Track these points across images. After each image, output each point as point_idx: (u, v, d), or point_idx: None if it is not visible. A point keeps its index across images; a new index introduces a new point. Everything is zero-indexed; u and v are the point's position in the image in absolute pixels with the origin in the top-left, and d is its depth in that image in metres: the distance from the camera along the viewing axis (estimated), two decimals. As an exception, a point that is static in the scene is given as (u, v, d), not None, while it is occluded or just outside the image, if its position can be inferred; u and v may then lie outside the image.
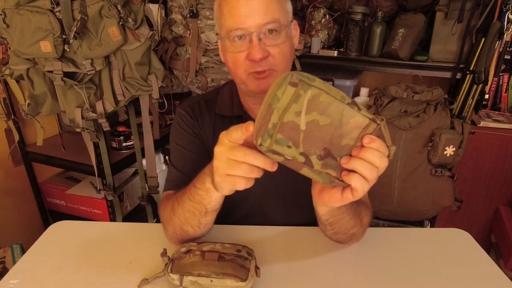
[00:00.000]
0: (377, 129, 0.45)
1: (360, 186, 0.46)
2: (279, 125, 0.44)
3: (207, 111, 0.83)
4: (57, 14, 1.03)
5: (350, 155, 0.46)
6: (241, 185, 0.50)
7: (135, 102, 1.36)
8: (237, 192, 0.87)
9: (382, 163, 0.46)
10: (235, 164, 0.48)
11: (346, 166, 0.46)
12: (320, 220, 0.65)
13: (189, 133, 0.81)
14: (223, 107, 0.82)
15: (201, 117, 0.82)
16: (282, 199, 0.83)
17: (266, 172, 0.80)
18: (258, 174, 0.49)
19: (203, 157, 0.79)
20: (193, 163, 0.78)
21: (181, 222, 0.65)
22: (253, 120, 0.79)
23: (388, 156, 0.47)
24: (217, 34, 0.76)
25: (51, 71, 1.10)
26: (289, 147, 0.45)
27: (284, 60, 0.70)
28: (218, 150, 0.50)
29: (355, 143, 0.46)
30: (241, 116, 0.79)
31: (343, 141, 0.45)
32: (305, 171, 0.47)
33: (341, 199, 0.49)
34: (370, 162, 0.46)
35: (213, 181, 0.54)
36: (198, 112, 0.83)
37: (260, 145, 0.45)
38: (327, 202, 0.52)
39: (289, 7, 0.72)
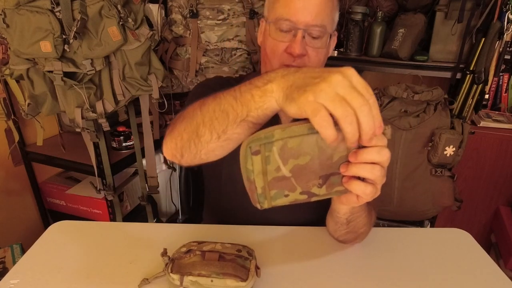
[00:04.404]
0: None
1: (361, 190, 0.45)
2: (267, 185, 0.45)
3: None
4: (57, 14, 1.03)
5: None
6: (318, 122, 0.39)
7: (135, 102, 1.36)
8: (238, 191, 0.87)
9: (382, 157, 0.43)
10: (341, 102, 0.38)
11: (346, 174, 0.45)
12: (336, 219, 0.65)
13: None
14: None
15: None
16: None
17: None
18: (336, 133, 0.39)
19: None
20: None
21: (202, 121, 0.52)
22: None
23: (388, 138, 0.44)
24: (262, 16, 0.76)
25: (51, 71, 1.10)
26: (286, 195, 0.46)
27: (317, 64, 0.72)
28: (339, 78, 0.40)
29: (348, 151, 0.44)
30: None
31: (334, 158, 0.44)
32: (314, 199, 0.47)
33: (357, 201, 0.49)
34: (370, 162, 0.44)
35: (287, 90, 0.43)
36: (226, 85, 0.81)
37: (261, 207, 0.47)
38: (346, 203, 0.51)
39: (337, 17, 0.74)
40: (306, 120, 0.41)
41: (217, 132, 0.51)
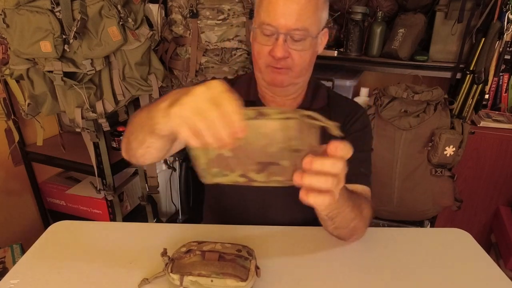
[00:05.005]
0: (300, 123, 0.44)
1: (320, 202, 0.47)
2: (209, 162, 0.47)
3: None
4: (57, 14, 1.03)
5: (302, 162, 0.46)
6: (183, 137, 0.42)
7: (135, 102, 1.36)
8: (237, 191, 0.88)
9: (336, 169, 0.46)
10: (198, 117, 0.41)
11: (301, 184, 0.47)
12: (320, 216, 0.66)
13: None
14: (240, 91, 0.86)
15: None
16: (282, 196, 0.83)
17: None
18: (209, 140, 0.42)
19: None
20: None
21: (131, 130, 0.62)
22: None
23: (337, 134, 0.45)
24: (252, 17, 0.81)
25: (51, 71, 1.10)
26: (225, 175, 0.48)
27: (301, 65, 0.75)
28: (201, 90, 0.42)
29: (287, 144, 0.45)
30: (255, 102, 0.85)
31: (271, 149, 0.45)
32: (255, 184, 0.49)
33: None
34: (324, 172, 0.45)
35: (170, 107, 0.44)
36: None
37: (205, 181, 0.49)
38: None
39: (324, 16, 0.76)
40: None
41: (139, 140, 0.59)
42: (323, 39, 0.79)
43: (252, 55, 0.79)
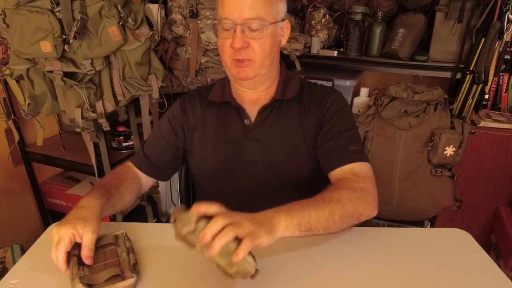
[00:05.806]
0: None
1: (243, 248, 0.53)
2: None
3: (199, 99, 0.94)
4: (57, 14, 1.03)
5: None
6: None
7: (135, 102, 1.36)
8: (235, 194, 0.89)
9: (219, 225, 0.54)
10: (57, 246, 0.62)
11: (211, 253, 0.53)
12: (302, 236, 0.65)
13: (171, 124, 0.93)
14: (215, 94, 0.92)
15: (191, 106, 0.93)
16: (279, 199, 0.83)
17: (245, 172, 0.88)
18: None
19: (170, 148, 0.94)
20: (159, 151, 0.94)
21: None
22: (239, 105, 0.88)
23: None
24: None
25: (51, 71, 1.10)
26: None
27: (262, 54, 0.78)
28: (55, 230, 0.63)
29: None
30: (229, 102, 0.89)
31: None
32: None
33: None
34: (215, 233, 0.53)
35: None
36: (188, 103, 0.94)
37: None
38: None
39: (281, 7, 0.79)
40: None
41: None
42: (285, 30, 0.83)
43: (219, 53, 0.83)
